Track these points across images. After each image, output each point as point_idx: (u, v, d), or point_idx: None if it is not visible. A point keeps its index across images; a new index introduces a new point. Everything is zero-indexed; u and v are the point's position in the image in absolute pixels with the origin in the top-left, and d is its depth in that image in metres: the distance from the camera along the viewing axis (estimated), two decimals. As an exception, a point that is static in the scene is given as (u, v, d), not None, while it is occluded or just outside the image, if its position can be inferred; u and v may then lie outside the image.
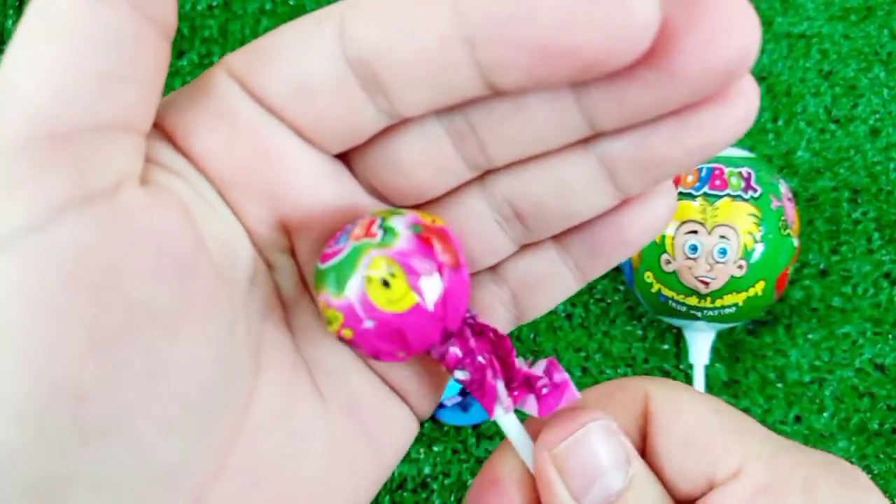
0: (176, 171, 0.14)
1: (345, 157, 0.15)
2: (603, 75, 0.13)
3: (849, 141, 0.42)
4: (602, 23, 0.12)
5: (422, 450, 0.39)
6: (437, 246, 0.14)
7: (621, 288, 0.41)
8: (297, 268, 0.16)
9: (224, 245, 0.14)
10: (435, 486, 0.38)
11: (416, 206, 0.16)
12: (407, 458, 0.39)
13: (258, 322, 0.15)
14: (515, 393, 0.15)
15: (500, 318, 0.18)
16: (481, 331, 0.15)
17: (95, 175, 0.12)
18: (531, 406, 0.15)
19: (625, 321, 0.41)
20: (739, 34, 0.12)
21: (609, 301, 0.41)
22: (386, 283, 0.14)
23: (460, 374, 0.15)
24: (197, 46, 0.44)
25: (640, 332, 0.41)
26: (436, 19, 0.13)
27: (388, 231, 0.14)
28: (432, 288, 0.14)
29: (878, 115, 0.43)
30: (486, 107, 0.14)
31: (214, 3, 0.44)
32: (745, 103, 0.13)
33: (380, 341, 0.14)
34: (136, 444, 0.12)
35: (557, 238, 0.17)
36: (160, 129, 0.14)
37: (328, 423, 0.16)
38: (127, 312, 0.12)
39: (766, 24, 0.44)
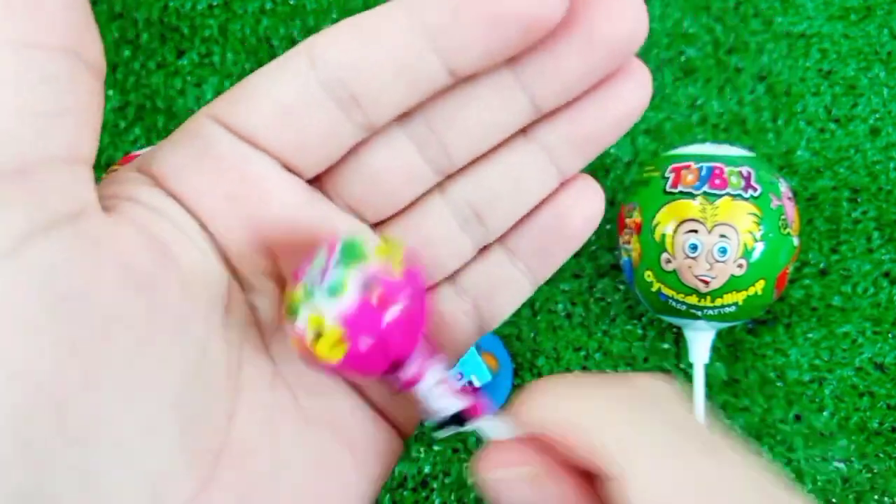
0: (152, 207, 0.15)
1: (317, 180, 0.17)
2: (538, 38, 0.15)
3: (849, 140, 0.42)
4: None
5: (422, 449, 0.39)
6: (377, 302, 0.15)
7: (621, 287, 0.41)
8: (279, 291, 0.17)
9: (198, 270, 0.15)
10: (435, 485, 0.38)
11: (386, 220, 0.17)
12: (407, 457, 0.39)
13: (237, 347, 0.16)
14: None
15: (465, 328, 0.19)
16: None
17: (55, 202, 0.12)
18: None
19: (625, 320, 0.41)
20: (632, 9, 0.15)
21: (609, 300, 0.41)
22: (318, 336, 0.15)
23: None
24: (197, 46, 0.44)
25: (640, 332, 0.41)
26: (395, 23, 0.15)
27: (336, 286, 0.15)
28: (364, 342, 0.15)
29: (878, 115, 0.43)
30: (442, 105, 0.16)
31: (214, 3, 0.44)
32: (642, 76, 0.17)
33: (324, 370, 0.15)
34: (120, 449, 0.13)
35: (506, 242, 0.18)
36: (148, 175, 0.15)
37: (314, 441, 0.16)
38: (100, 320, 0.12)
39: (766, 23, 0.44)
